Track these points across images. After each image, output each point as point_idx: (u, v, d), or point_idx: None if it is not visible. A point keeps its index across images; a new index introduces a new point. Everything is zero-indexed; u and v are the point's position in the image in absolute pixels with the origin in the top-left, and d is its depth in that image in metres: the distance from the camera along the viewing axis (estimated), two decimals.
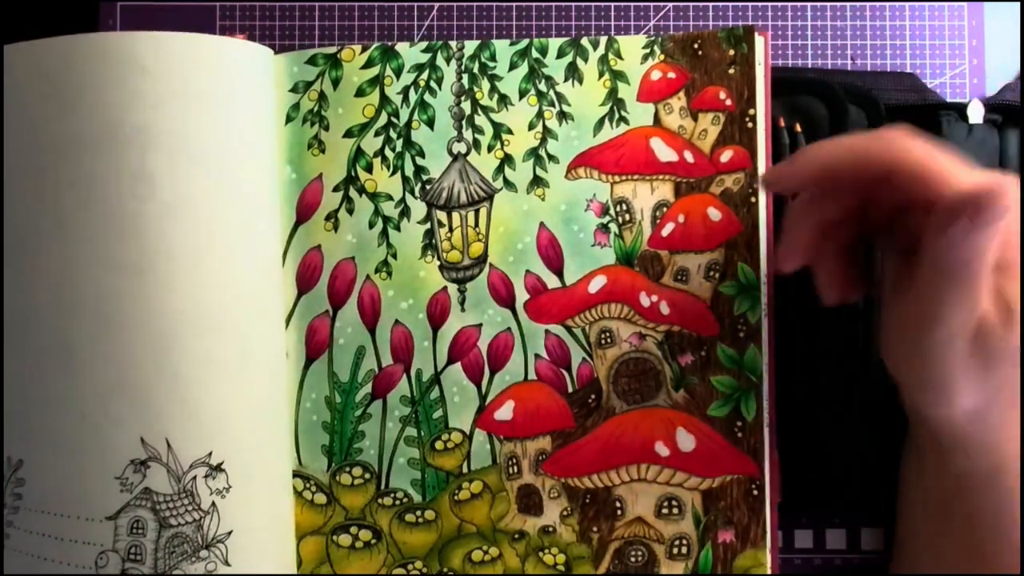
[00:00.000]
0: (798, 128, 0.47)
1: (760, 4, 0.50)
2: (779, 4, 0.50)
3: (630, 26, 0.50)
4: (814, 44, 0.50)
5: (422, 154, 0.44)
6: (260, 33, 0.50)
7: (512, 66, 0.44)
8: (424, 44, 0.44)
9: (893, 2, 0.50)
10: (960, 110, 0.47)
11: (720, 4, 0.50)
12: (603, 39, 0.44)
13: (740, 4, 0.50)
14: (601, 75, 0.44)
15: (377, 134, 0.44)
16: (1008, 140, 0.47)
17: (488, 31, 0.50)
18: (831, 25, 0.50)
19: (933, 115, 0.47)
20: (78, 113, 0.39)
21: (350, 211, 0.44)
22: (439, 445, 0.44)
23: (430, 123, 0.44)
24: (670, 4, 0.50)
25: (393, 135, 0.44)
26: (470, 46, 0.44)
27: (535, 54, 0.44)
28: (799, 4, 0.50)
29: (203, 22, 0.50)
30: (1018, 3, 0.50)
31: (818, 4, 0.50)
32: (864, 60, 0.50)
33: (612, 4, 0.50)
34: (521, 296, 0.44)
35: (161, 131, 0.39)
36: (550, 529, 0.44)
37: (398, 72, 0.44)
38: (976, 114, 0.47)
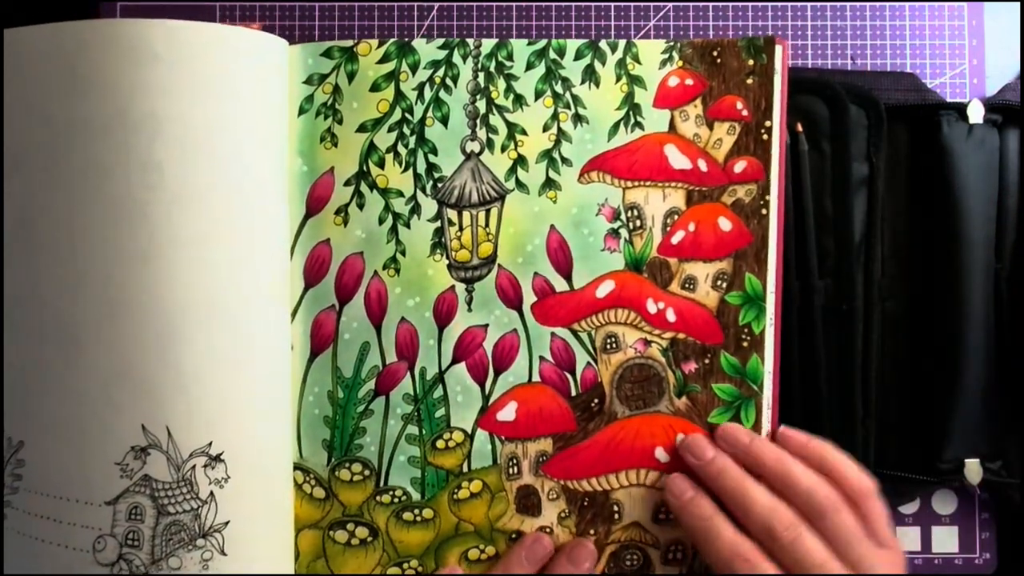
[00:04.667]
0: (799, 128, 0.47)
1: (760, 4, 0.50)
2: (779, 4, 0.50)
3: (630, 26, 0.50)
4: (814, 44, 0.50)
5: (435, 151, 0.44)
6: None
7: (529, 66, 0.44)
8: (441, 41, 0.44)
9: (893, 2, 0.50)
10: (960, 110, 0.47)
11: (720, 4, 0.50)
12: (621, 42, 0.44)
13: (740, 4, 0.50)
14: (618, 79, 0.44)
15: (391, 130, 0.44)
16: (1008, 140, 0.47)
17: (488, 31, 0.50)
18: (831, 25, 0.50)
19: (933, 115, 0.47)
20: (88, 99, 0.39)
21: (360, 206, 0.44)
22: (440, 444, 0.44)
23: (444, 121, 0.44)
24: (670, 4, 0.50)
25: (407, 131, 0.44)
26: (487, 44, 0.44)
27: (552, 55, 0.44)
28: (799, 4, 0.50)
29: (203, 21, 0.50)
30: (1018, 3, 0.50)
31: (818, 4, 0.50)
32: (864, 60, 0.50)
33: (612, 4, 0.50)
34: (528, 298, 0.44)
35: (170, 119, 0.39)
36: (547, 530, 0.44)
37: (414, 68, 0.44)
38: (976, 114, 0.47)
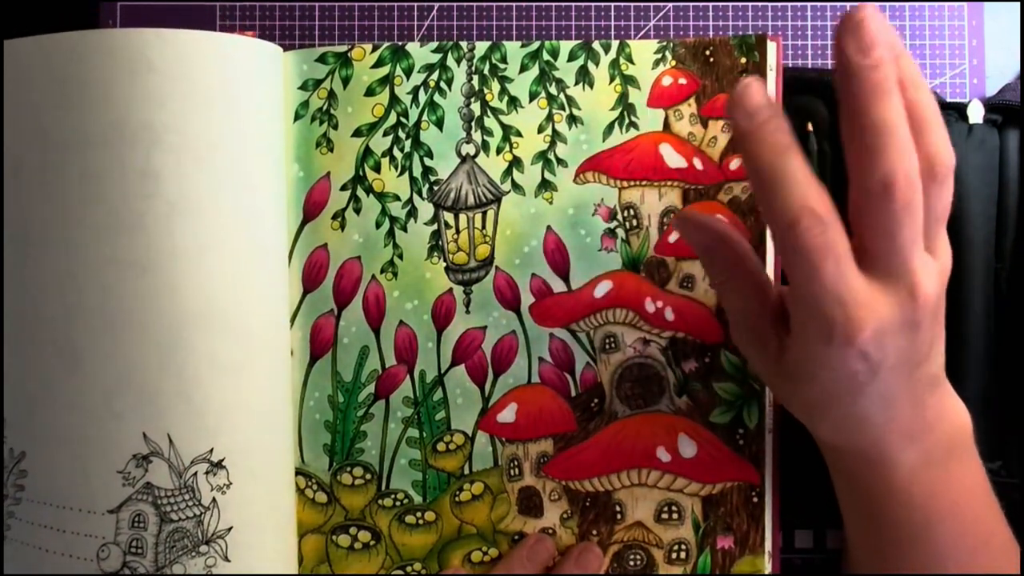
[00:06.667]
0: (809, 128, 0.47)
1: (760, 4, 0.50)
2: (780, 4, 0.50)
3: (630, 26, 0.50)
4: (814, 44, 0.50)
5: (430, 155, 0.44)
6: (260, 33, 0.50)
7: (523, 68, 0.44)
8: (435, 44, 0.44)
9: (893, 2, 0.50)
10: (960, 110, 0.47)
11: (720, 4, 0.50)
12: (615, 43, 0.44)
13: (740, 4, 0.50)
14: (612, 79, 0.44)
15: (386, 134, 0.44)
16: (1008, 140, 0.47)
17: (488, 31, 0.50)
18: (831, 25, 0.50)
19: None
20: (84, 110, 0.39)
21: (357, 210, 0.44)
22: (441, 446, 0.44)
23: (439, 124, 0.44)
24: (670, 4, 0.50)
25: (402, 135, 0.44)
26: (481, 47, 0.44)
27: (546, 56, 0.44)
28: (799, 4, 0.50)
29: (204, 22, 0.50)
30: (1018, 3, 0.50)
31: (818, 4, 0.50)
32: None
33: (612, 4, 0.50)
34: (526, 299, 0.44)
35: (167, 129, 0.39)
36: (550, 531, 0.44)
37: (408, 72, 0.44)
38: (976, 114, 0.47)
